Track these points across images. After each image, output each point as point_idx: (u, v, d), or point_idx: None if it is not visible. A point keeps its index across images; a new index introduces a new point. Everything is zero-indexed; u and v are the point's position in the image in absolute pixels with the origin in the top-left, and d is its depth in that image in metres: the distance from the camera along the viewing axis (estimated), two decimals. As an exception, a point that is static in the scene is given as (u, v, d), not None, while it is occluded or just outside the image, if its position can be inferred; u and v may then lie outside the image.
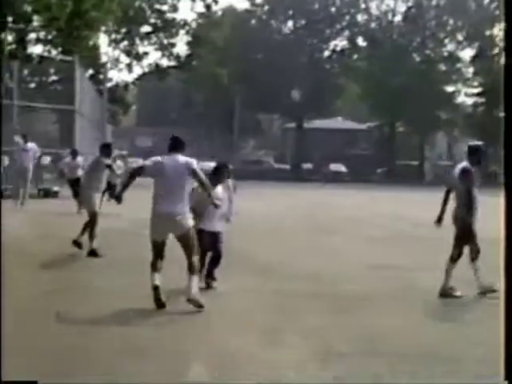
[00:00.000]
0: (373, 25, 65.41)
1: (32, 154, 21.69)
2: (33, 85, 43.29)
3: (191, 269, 7.64)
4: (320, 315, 7.55)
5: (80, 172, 18.22)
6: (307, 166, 67.00)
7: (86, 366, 5.66)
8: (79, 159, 20.21)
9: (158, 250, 7.83)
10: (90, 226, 11.49)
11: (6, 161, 28.79)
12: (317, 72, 63.52)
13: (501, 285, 4.59)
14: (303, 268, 10.63)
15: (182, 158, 7.84)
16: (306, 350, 6.18)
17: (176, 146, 7.98)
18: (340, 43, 67.43)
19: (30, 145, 21.84)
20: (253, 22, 66.44)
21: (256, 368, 5.67)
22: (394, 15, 64.34)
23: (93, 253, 11.18)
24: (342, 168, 62.79)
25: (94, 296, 8.34)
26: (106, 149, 12.25)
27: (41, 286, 8.78)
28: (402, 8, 64.01)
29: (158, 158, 7.92)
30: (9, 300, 7.40)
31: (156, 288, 7.59)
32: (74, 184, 18.15)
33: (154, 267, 7.75)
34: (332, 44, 67.51)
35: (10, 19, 14.00)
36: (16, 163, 21.43)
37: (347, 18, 65.18)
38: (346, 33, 66.25)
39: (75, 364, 5.67)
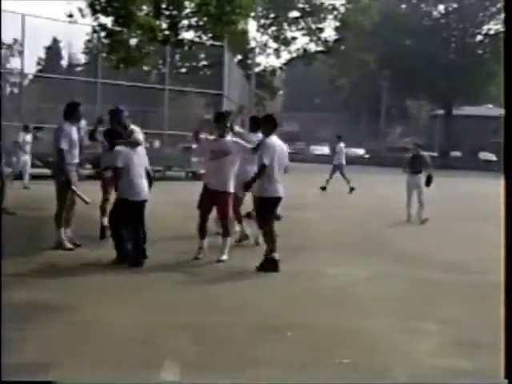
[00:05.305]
0: (531, 7, 62.36)
1: None
2: (183, 70, 44.75)
3: None
4: (461, 304, 7.39)
5: None
6: (455, 153, 65.29)
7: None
8: None
9: None
10: None
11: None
12: (468, 57, 61.57)
13: (501, 283, 4.37)
14: (448, 256, 10.45)
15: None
16: (444, 339, 6.07)
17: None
18: (494, 27, 64.95)
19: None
20: (402, 6, 65.18)
21: (393, 353, 5.65)
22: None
23: None
24: (493, 157, 60.60)
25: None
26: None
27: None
28: None
29: None
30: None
31: None
32: None
33: None
34: (485, 28, 65.18)
35: (163, 6, 14.51)
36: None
37: (503, -1, 62.56)
38: (501, 16, 63.64)
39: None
